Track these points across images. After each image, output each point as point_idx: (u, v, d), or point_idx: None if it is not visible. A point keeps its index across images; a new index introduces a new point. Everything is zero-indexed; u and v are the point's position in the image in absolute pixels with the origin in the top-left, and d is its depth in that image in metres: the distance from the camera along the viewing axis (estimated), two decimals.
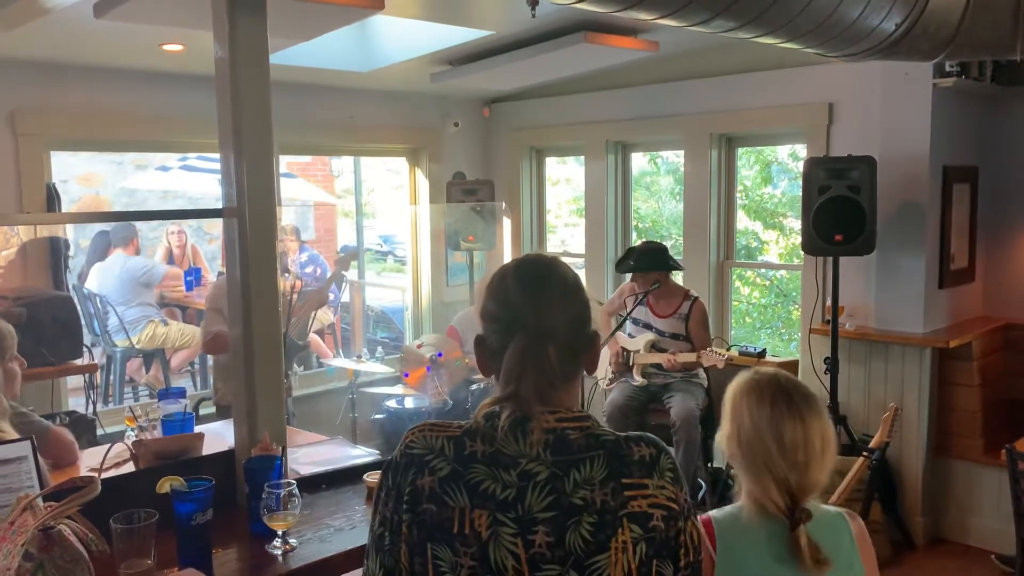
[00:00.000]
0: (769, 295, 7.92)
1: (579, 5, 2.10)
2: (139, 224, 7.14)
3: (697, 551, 1.27)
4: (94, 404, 3.94)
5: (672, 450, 3.98)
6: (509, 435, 1.22)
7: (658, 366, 4.53)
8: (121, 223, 6.36)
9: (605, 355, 4.74)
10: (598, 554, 1.18)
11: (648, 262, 4.48)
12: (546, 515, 1.18)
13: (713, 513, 1.67)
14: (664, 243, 4.69)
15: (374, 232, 11.95)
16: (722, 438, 1.70)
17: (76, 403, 4.68)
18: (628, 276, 4.76)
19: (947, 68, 4.10)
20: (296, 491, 1.92)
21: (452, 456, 1.23)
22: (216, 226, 7.98)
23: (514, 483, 1.20)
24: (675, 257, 4.74)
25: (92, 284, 6.49)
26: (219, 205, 2.20)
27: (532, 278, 1.30)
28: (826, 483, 1.65)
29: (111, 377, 5.94)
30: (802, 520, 1.58)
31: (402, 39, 4.54)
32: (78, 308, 4.14)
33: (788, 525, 1.59)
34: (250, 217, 2.10)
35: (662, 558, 1.21)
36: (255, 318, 2.13)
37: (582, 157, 5.84)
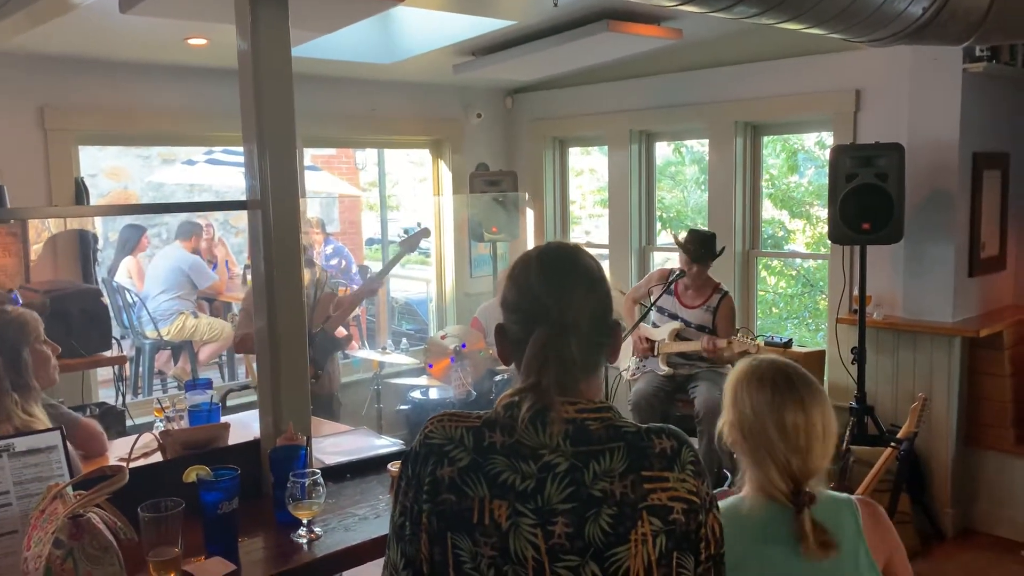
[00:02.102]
0: (796, 285, 7.86)
1: None
2: (167, 217, 7.23)
3: (720, 543, 1.25)
4: (123, 396, 3.99)
5: (696, 442, 3.94)
6: (529, 426, 1.22)
7: (683, 355, 4.51)
8: (186, 220, 6.49)
9: (628, 345, 4.72)
10: (618, 546, 1.17)
11: (693, 251, 4.43)
12: (565, 506, 1.18)
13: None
14: (711, 232, 4.62)
15: (398, 224, 11.98)
16: (724, 426, 1.70)
17: (106, 395, 4.75)
18: (652, 265, 4.73)
19: (977, 53, 4.03)
20: (320, 480, 1.93)
21: (471, 446, 1.23)
22: (242, 219, 8.04)
23: (533, 474, 1.19)
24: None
25: (122, 276, 6.58)
26: (244, 198, 2.21)
27: (555, 269, 1.28)
28: (828, 468, 1.64)
29: (140, 369, 6.02)
30: (806, 503, 1.58)
31: (424, 30, 4.54)
32: (107, 301, 4.20)
33: (792, 510, 1.58)
34: (274, 209, 2.12)
35: (683, 551, 1.20)
36: (279, 309, 2.15)
37: (606, 147, 5.82)
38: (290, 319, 2.17)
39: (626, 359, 4.76)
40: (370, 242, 10.99)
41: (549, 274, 1.28)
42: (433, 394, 5.16)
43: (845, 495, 1.69)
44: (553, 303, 1.25)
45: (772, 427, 1.60)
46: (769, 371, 1.65)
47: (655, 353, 4.58)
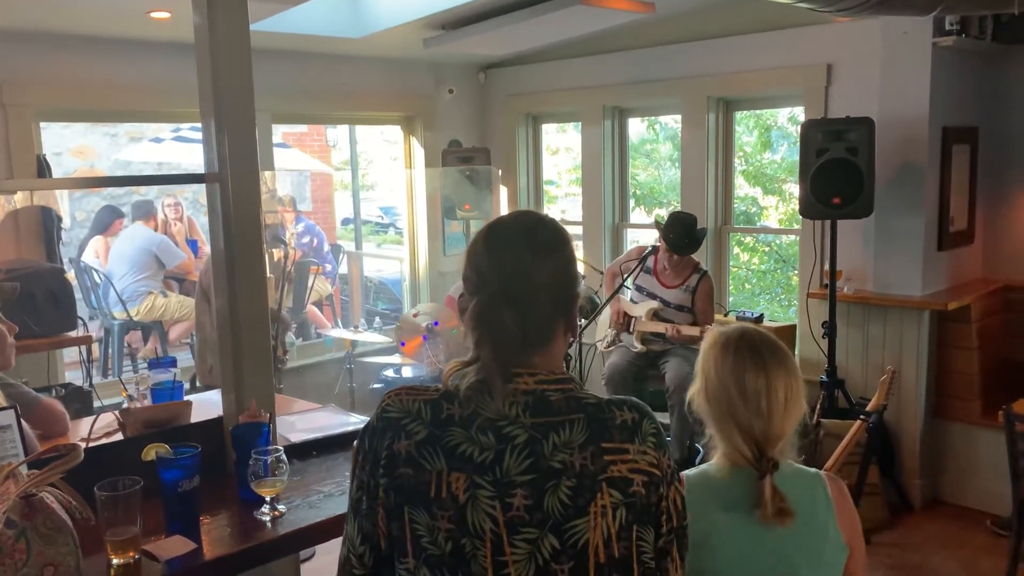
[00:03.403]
0: (768, 261, 7.89)
1: None
2: (136, 197, 7.12)
3: (682, 516, 1.25)
4: (90, 376, 3.94)
5: (667, 416, 3.94)
6: (481, 396, 1.20)
7: (658, 334, 4.51)
8: (141, 199, 6.41)
9: (606, 317, 4.73)
10: (577, 518, 1.16)
11: (675, 241, 4.39)
12: (524, 478, 1.16)
13: (687, 472, 1.68)
14: (691, 215, 4.51)
15: (372, 203, 11.90)
16: (693, 394, 1.71)
17: (74, 376, 4.69)
18: (626, 241, 4.71)
19: (947, 27, 4.03)
20: (283, 457, 1.91)
21: (429, 419, 1.21)
22: None
23: (492, 446, 1.18)
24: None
25: (89, 255, 6.48)
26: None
27: (503, 239, 1.26)
28: (793, 438, 1.65)
29: (109, 350, 5.94)
30: (768, 470, 1.58)
31: (393, 3, 4.48)
32: (72, 280, 4.13)
33: (756, 476, 1.59)
34: (232, 182, 2.07)
35: (643, 523, 1.19)
36: (239, 284, 2.11)
37: (579, 123, 5.78)
38: (251, 294, 2.13)
39: (603, 330, 4.77)
40: (346, 222, 10.91)
41: (495, 245, 1.25)
42: (406, 372, 5.14)
43: (814, 470, 1.70)
44: (494, 274, 1.23)
45: (734, 390, 1.61)
46: (735, 337, 1.67)
47: (631, 330, 4.58)
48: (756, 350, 1.63)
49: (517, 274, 1.22)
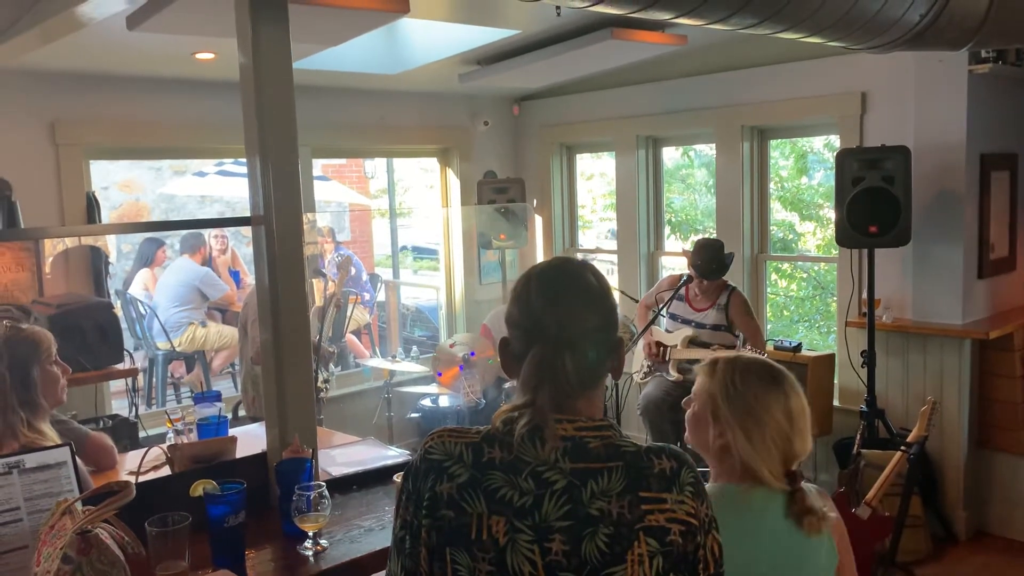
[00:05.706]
0: (807, 287, 7.83)
1: (596, 8, 2.10)
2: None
3: (718, 564, 1.25)
4: (135, 407, 4.03)
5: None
6: (527, 443, 1.22)
7: (694, 361, 4.49)
8: (189, 233, 6.55)
9: (641, 348, 4.73)
10: (614, 565, 1.18)
11: (702, 267, 4.42)
12: (562, 524, 1.19)
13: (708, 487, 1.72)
14: (717, 241, 4.57)
15: (409, 231, 12.01)
16: (712, 430, 1.73)
17: (119, 406, 4.79)
18: (661, 270, 4.71)
19: (983, 54, 4.02)
20: (326, 493, 1.95)
21: (470, 462, 1.24)
22: None
23: (531, 490, 1.20)
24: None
25: (137, 288, 6.64)
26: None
27: (554, 286, 1.29)
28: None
29: (154, 380, 6.07)
30: (801, 477, 1.69)
31: (430, 41, 4.57)
32: (119, 314, 4.25)
33: (779, 492, 1.67)
34: (277, 225, 2.14)
35: (679, 572, 1.21)
36: (284, 323, 2.17)
37: (613, 152, 5.82)
38: (294, 333, 2.19)
39: (638, 361, 4.77)
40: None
41: (547, 292, 1.29)
42: (443, 402, 5.18)
43: (811, 485, 1.77)
44: (550, 321, 1.26)
45: (780, 414, 1.69)
46: (755, 366, 1.77)
47: (666, 359, 4.58)
48: (782, 375, 1.74)
49: (573, 321, 1.26)
